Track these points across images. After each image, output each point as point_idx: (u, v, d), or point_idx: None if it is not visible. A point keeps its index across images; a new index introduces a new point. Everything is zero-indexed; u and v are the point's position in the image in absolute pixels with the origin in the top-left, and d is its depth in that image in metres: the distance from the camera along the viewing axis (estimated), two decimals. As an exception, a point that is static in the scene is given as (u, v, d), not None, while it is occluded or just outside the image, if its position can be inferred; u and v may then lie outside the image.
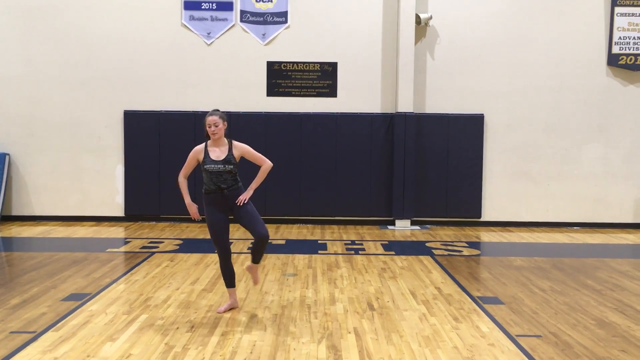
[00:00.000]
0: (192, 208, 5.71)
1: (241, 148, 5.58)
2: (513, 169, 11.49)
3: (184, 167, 5.64)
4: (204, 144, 5.58)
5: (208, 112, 5.60)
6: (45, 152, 11.34)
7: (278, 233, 10.41)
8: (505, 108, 11.45)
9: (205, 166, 5.48)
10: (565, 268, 7.79)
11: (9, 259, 8.30)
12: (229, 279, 5.72)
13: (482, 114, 11.39)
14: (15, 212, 11.34)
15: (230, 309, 5.73)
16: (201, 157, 5.53)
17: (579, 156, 11.50)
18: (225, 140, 5.56)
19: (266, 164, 5.67)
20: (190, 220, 11.20)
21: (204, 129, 5.54)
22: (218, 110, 5.62)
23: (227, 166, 5.45)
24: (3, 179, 11.03)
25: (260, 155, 5.72)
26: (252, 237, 5.52)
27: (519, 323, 5.44)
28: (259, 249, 5.57)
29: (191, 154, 5.59)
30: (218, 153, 5.50)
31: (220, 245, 5.59)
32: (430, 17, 11.15)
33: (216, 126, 5.44)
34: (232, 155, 5.49)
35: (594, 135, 11.49)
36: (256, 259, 5.65)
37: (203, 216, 5.65)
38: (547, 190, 11.51)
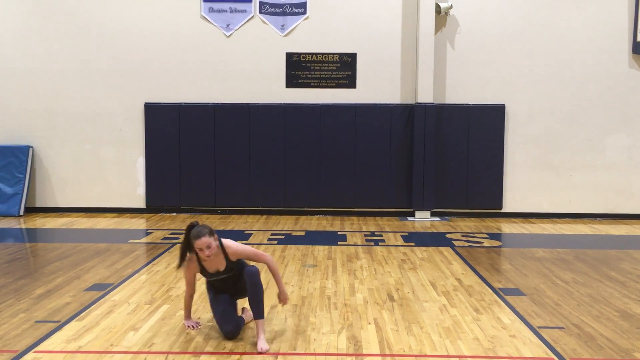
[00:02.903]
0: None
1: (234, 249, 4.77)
2: (535, 159, 11.37)
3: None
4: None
5: (193, 232, 4.51)
6: (67, 144, 11.48)
7: (298, 224, 10.43)
8: (526, 98, 11.31)
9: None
10: (588, 259, 7.70)
11: (33, 250, 8.43)
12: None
13: (503, 104, 11.27)
14: (39, 204, 11.51)
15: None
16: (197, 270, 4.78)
17: (602, 146, 11.33)
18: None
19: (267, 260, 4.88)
20: (211, 212, 11.31)
21: (190, 249, 4.62)
22: (203, 226, 4.55)
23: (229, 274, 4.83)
24: (27, 171, 11.19)
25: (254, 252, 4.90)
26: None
27: (540, 314, 5.40)
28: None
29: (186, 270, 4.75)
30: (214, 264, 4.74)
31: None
32: (451, 7, 11.04)
33: (209, 248, 4.51)
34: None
35: (618, 125, 11.30)
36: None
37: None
38: (569, 181, 11.37)
